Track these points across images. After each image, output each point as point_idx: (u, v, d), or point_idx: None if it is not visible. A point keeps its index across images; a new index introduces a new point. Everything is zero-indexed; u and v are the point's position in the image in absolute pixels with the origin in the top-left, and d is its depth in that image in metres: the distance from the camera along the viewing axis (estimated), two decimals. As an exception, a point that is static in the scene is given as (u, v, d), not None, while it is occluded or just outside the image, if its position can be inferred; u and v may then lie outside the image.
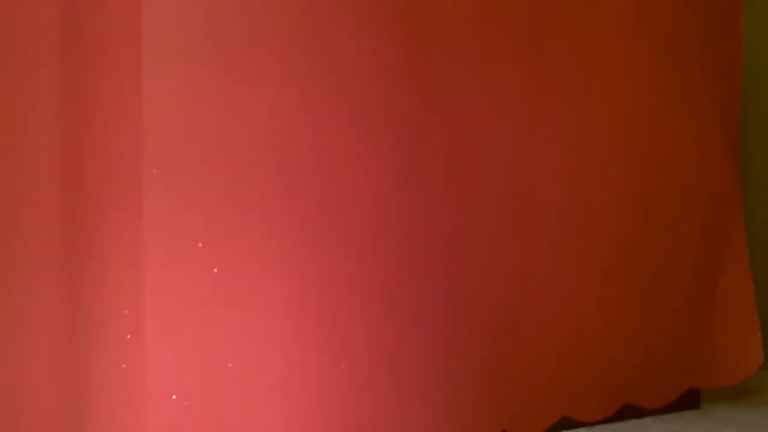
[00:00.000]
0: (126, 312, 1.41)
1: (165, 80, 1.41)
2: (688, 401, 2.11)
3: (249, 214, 1.48)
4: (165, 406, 1.41)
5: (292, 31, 1.51)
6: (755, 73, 2.60)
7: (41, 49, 1.48)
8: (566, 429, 1.93)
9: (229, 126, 1.46)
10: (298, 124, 1.52)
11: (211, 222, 1.45)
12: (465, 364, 1.73)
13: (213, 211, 1.45)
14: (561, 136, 1.85)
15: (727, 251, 2.09)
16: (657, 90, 1.97)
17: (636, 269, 1.95)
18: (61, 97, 1.48)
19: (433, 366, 1.68)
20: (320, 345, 1.54)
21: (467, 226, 1.73)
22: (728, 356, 2.09)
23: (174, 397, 1.42)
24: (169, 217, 1.42)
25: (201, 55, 1.44)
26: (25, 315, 1.49)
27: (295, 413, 1.51)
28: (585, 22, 1.87)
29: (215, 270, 1.45)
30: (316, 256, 1.54)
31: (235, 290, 1.47)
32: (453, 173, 1.71)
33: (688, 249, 2.02)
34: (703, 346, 2.07)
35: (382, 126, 1.61)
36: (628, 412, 2.02)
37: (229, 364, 1.46)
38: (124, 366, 1.42)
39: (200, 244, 1.44)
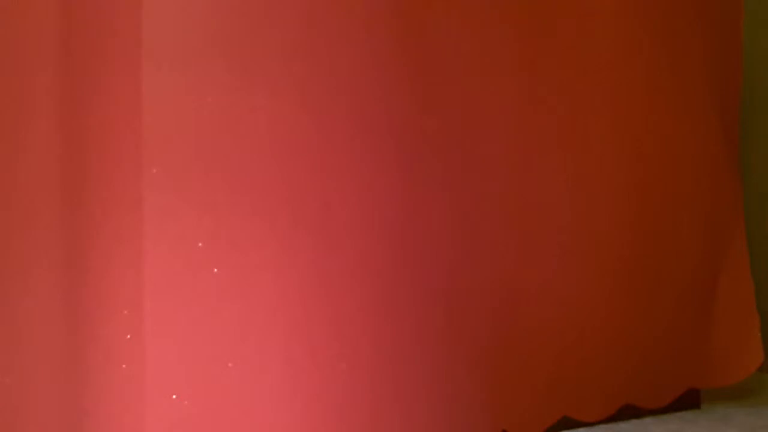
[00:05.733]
0: (126, 312, 1.41)
1: (165, 80, 1.41)
2: (688, 401, 2.11)
3: (249, 213, 1.48)
4: (165, 406, 1.41)
5: (292, 31, 1.51)
6: (755, 73, 2.60)
7: (41, 49, 1.48)
8: (566, 429, 1.93)
9: (229, 126, 1.46)
10: (297, 124, 1.52)
11: (211, 222, 1.45)
12: (465, 364, 1.73)
13: (213, 210, 1.45)
14: (561, 136, 1.85)
15: (727, 251, 2.09)
16: (657, 91, 1.96)
17: (636, 269, 1.95)
18: (61, 97, 1.48)
19: (433, 366, 1.68)
20: (320, 345, 1.54)
21: (468, 226, 1.73)
22: (728, 356, 2.09)
23: (174, 397, 1.42)
24: (169, 217, 1.42)
25: (201, 56, 1.44)
26: (25, 315, 1.49)
27: (294, 413, 1.51)
28: (585, 24, 1.87)
29: (215, 270, 1.45)
30: (316, 256, 1.54)
31: (235, 290, 1.47)
32: (453, 173, 1.71)
33: (688, 249, 2.02)
34: (703, 346, 2.07)
35: (383, 126, 1.61)
36: (628, 412, 2.02)
37: (229, 364, 1.46)
38: (124, 366, 1.42)
39: (200, 244, 1.44)
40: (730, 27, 2.09)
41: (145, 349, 1.40)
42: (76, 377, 1.47)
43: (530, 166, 1.81)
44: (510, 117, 1.78)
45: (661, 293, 1.99)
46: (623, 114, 1.92)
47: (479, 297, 1.75)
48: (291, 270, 1.51)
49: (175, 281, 1.42)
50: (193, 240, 1.43)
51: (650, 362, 1.99)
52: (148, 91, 1.40)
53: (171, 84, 1.41)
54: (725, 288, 2.09)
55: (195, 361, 1.44)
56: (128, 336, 1.41)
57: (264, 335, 1.49)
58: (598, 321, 1.91)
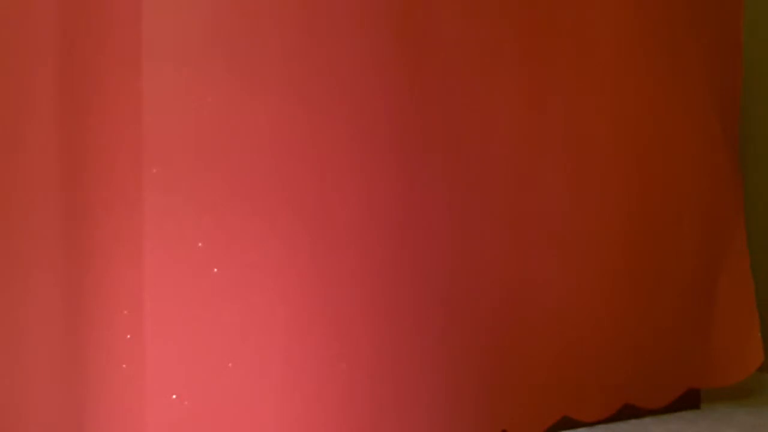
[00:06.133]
0: (126, 312, 1.41)
1: (165, 80, 1.41)
2: (688, 401, 2.11)
3: (249, 214, 1.48)
4: (165, 406, 1.41)
5: (292, 30, 1.51)
6: (755, 73, 2.60)
7: (41, 49, 1.48)
8: (566, 429, 1.93)
9: (229, 126, 1.46)
10: (297, 124, 1.52)
11: (211, 222, 1.45)
12: (465, 364, 1.73)
13: (213, 211, 1.45)
14: (561, 135, 1.85)
15: (727, 251, 2.09)
16: (657, 90, 1.97)
17: (636, 269, 1.95)
18: (61, 97, 1.48)
19: (433, 366, 1.68)
20: (320, 345, 1.54)
21: (467, 226, 1.73)
22: (728, 356, 2.09)
23: (174, 397, 1.42)
24: (169, 217, 1.42)
25: (201, 56, 1.44)
26: (26, 315, 1.49)
27: (295, 413, 1.51)
28: (585, 23, 1.87)
29: (215, 270, 1.45)
30: (316, 256, 1.54)
31: (235, 290, 1.47)
32: (453, 173, 1.71)
33: (688, 249, 2.02)
34: (702, 346, 2.07)
35: (382, 126, 1.61)
36: (628, 412, 2.02)
37: (229, 364, 1.46)
38: (124, 366, 1.42)
39: (200, 244, 1.44)
40: (730, 27, 2.09)
41: (145, 349, 1.40)
42: (76, 377, 1.47)
43: (530, 166, 1.81)
44: (510, 117, 1.78)
45: (661, 293, 1.99)
46: (624, 114, 1.93)
47: (479, 297, 1.75)
48: (291, 270, 1.51)
49: (175, 281, 1.42)
50: (193, 240, 1.43)
51: (650, 362, 1.99)
52: (148, 91, 1.40)
53: (171, 84, 1.41)
54: (725, 288, 2.09)
55: (195, 361, 1.44)
56: (128, 336, 1.41)
57: (264, 335, 1.49)
58: (598, 321, 1.91)
